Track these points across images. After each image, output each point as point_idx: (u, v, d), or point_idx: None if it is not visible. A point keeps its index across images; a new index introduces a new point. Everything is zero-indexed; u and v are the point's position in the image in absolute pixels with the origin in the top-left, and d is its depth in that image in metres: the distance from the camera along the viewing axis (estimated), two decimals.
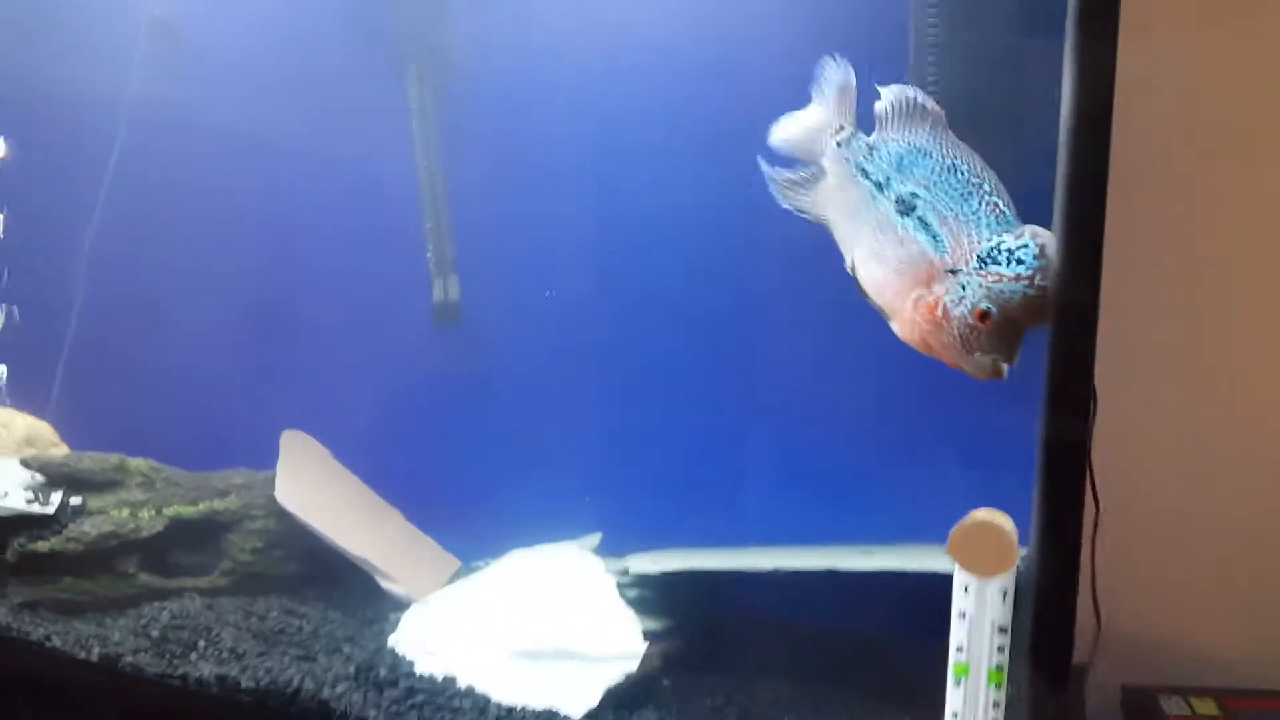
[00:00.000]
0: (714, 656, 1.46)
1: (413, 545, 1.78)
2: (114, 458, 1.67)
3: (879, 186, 0.99)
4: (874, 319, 1.12)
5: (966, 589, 0.93)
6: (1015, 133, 1.21)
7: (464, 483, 1.90)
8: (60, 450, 1.84)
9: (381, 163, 1.83)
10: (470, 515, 1.85)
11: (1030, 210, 1.02)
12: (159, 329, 1.98)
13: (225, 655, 1.43)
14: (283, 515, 1.67)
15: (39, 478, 1.62)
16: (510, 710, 1.30)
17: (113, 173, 1.93)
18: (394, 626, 1.54)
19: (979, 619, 0.93)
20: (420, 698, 1.33)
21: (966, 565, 0.92)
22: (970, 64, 1.37)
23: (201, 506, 1.66)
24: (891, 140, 1.00)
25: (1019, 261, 0.90)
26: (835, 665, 1.44)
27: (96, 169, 1.94)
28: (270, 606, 1.60)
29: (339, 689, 1.32)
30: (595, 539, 1.73)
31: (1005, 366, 0.93)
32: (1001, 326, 0.90)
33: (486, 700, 1.33)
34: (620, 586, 1.52)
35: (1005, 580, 0.92)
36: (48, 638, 1.46)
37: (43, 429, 1.86)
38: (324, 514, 1.69)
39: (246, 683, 1.32)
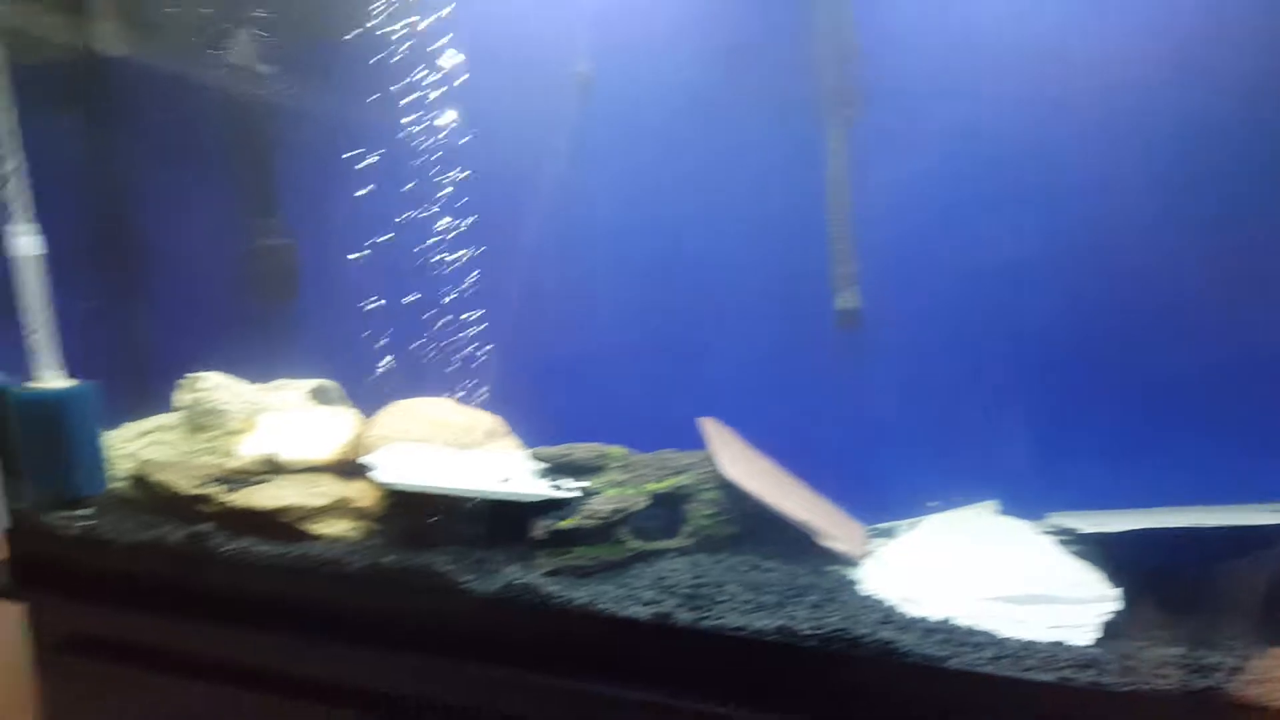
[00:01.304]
0: (1154, 599, 1.71)
1: (830, 510, 2.05)
2: (596, 446, 1.96)
3: None
4: None
5: None
6: None
7: (847, 458, 2.18)
8: (510, 440, 2.12)
9: (805, 194, 2.14)
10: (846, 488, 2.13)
11: None
12: (596, 329, 2.29)
13: (747, 605, 1.66)
14: (725, 486, 1.95)
15: (545, 466, 1.91)
16: (1027, 643, 1.55)
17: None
18: (847, 579, 1.81)
19: None
20: (939, 636, 1.58)
21: None
22: None
23: (668, 482, 1.94)
24: None
25: None
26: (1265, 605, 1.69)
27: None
28: (739, 563, 1.85)
29: (884, 632, 1.57)
30: (993, 504, 2.00)
31: None
32: None
33: (993, 635, 1.58)
34: (1063, 542, 1.78)
35: None
36: (591, 601, 1.69)
37: (497, 423, 2.13)
38: (760, 484, 1.96)
39: (806, 629, 1.57)
